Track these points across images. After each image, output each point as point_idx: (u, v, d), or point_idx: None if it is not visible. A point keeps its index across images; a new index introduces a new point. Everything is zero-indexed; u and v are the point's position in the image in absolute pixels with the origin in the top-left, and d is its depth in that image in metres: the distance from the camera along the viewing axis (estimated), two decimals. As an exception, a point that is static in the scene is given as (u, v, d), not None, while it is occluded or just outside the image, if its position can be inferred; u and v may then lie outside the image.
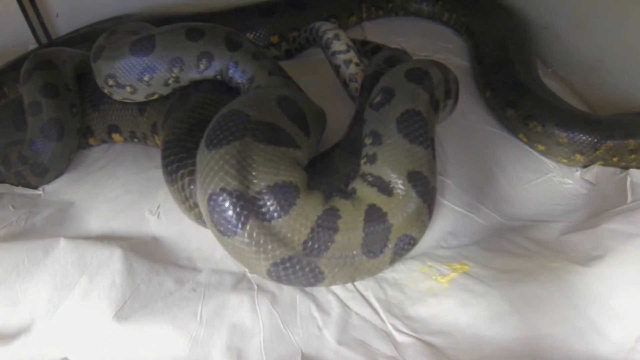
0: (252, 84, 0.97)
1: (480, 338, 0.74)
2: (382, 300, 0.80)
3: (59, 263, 0.85)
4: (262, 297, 0.80)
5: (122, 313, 0.77)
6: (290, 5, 1.38)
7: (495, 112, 1.18)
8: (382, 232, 0.72)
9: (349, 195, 0.77)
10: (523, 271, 0.82)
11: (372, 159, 0.78)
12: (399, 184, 0.74)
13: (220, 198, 0.67)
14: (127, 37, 0.97)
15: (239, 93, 0.99)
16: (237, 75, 0.97)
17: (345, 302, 0.80)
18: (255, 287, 0.82)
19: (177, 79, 0.96)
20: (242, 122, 0.72)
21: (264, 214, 0.68)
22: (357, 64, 1.07)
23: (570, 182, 1.04)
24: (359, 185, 0.77)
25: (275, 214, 0.68)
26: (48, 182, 1.07)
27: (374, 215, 0.73)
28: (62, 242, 0.87)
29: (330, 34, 1.10)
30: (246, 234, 0.67)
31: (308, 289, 0.81)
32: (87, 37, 1.30)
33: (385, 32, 1.46)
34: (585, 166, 1.06)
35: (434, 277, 0.83)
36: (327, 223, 0.70)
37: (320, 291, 0.81)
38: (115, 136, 1.13)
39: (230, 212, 0.67)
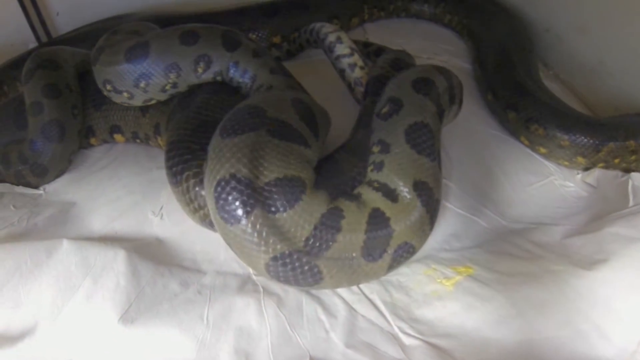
0: (254, 83, 0.96)
1: (486, 341, 0.74)
2: (388, 303, 0.80)
3: (62, 264, 0.84)
4: (269, 300, 0.80)
5: (128, 316, 0.77)
6: (293, 6, 1.37)
7: (496, 114, 1.19)
8: (383, 236, 0.73)
9: (354, 198, 0.77)
10: (527, 274, 0.83)
11: (379, 167, 0.79)
12: (405, 192, 0.75)
13: (229, 184, 0.68)
14: (127, 39, 0.96)
15: (242, 93, 0.98)
16: (238, 75, 0.96)
17: (351, 304, 0.80)
18: (261, 289, 0.82)
19: (174, 85, 0.94)
20: (258, 116, 0.74)
21: (269, 205, 0.68)
22: (362, 67, 1.06)
23: (572, 185, 1.05)
24: (364, 190, 0.78)
25: (281, 208, 0.68)
26: (48, 183, 1.06)
27: (377, 218, 0.73)
28: (65, 244, 0.87)
29: (332, 37, 1.09)
30: (249, 224, 0.67)
31: (314, 291, 0.81)
32: (88, 36, 1.29)
33: (387, 33, 1.46)
34: (586, 168, 1.07)
35: (438, 280, 0.83)
36: (331, 222, 0.70)
37: (326, 294, 0.81)
38: (117, 136, 1.12)
39: (237, 199, 0.67)
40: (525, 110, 1.10)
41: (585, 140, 1.02)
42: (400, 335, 0.76)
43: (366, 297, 0.81)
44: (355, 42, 1.13)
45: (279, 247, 0.68)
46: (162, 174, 0.92)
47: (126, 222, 0.96)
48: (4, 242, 0.89)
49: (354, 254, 0.71)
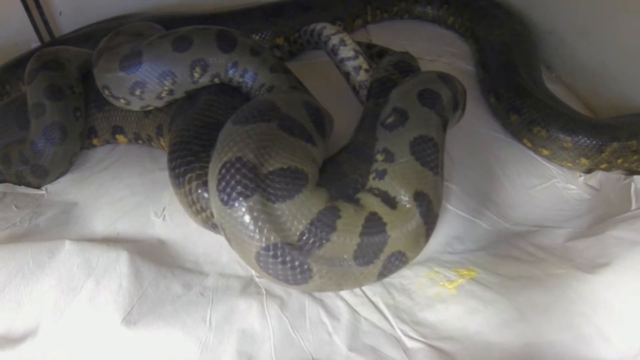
0: (255, 82, 0.96)
1: (489, 344, 0.74)
2: (390, 305, 0.80)
3: (65, 266, 0.84)
4: (271, 302, 0.80)
5: (131, 318, 0.77)
6: (296, 8, 1.37)
7: (499, 117, 1.19)
8: (377, 241, 0.72)
9: (353, 201, 0.77)
10: (530, 278, 0.83)
11: (382, 175, 0.79)
12: (405, 200, 0.75)
13: (234, 166, 0.69)
14: (128, 42, 0.96)
15: (242, 92, 0.98)
16: (238, 75, 0.95)
17: (354, 307, 0.80)
18: (264, 292, 0.82)
19: (170, 92, 0.94)
20: (271, 110, 0.76)
21: (269, 193, 0.68)
22: (366, 70, 1.06)
23: (574, 187, 1.05)
24: (363, 196, 0.78)
25: (280, 198, 0.69)
26: (48, 183, 1.06)
27: (374, 222, 0.72)
28: (68, 245, 0.86)
29: (335, 40, 1.08)
30: (247, 208, 0.67)
31: (316, 294, 0.81)
32: (91, 36, 1.29)
33: (390, 35, 1.46)
34: (589, 169, 1.07)
35: (441, 283, 0.83)
36: (327, 220, 0.70)
37: (328, 296, 0.81)
38: (120, 137, 1.12)
39: (239, 183, 0.68)
40: (527, 112, 1.10)
41: (589, 141, 1.03)
42: (403, 338, 0.76)
43: (369, 299, 0.81)
44: (358, 43, 1.12)
45: (272, 237, 0.67)
46: (164, 175, 0.92)
47: (128, 223, 0.96)
48: (6, 243, 0.89)
49: (345, 256, 0.70)
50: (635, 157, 1.02)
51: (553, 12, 1.35)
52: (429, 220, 0.76)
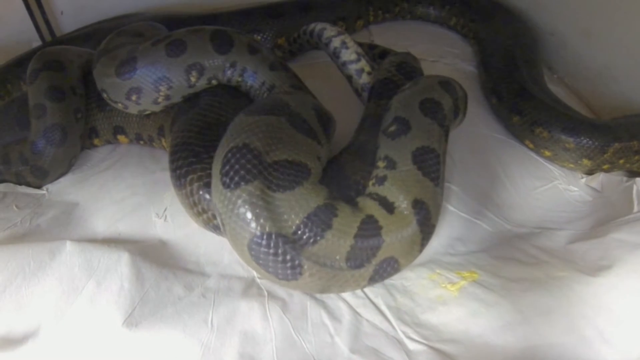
0: (255, 81, 0.95)
1: (492, 347, 0.74)
2: (392, 307, 0.80)
3: (66, 267, 0.84)
4: (273, 304, 0.79)
5: (132, 319, 0.77)
6: (298, 8, 1.37)
7: (501, 118, 1.19)
8: (371, 245, 0.71)
9: (352, 203, 0.77)
10: (532, 280, 0.82)
11: (381, 181, 0.78)
12: (403, 206, 0.74)
13: (240, 151, 0.70)
14: (128, 44, 0.96)
15: (242, 92, 0.98)
16: (237, 75, 0.94)
17: (355, 309, 0.80)
18: (266, 293, 0.81)
19: (167, 97, 0.93)
20: (282, 106, 0.78)
21: (270, 182, 0.69)
22: (369, 73, 1.05)
23: (576, 189, 1.05)
24: (362, 199, 0.78)
25: (281, 188, 0.69)
26: (48, 184, 1.06)
27: (369, 225, 0.72)
28: (69, 245, 0.86)
29: (337, 42, 1.06)
30: (246, 192, 0.67)
31: (318, 295, 0.81)
32: (92, 35, 1.29)
33: (392, 35, 1.45)
34: (591, 170, 1.07)
35: (443, 285, 0.83)
36: (324, 216, 0.70)
37: (330, 298, 0.81)
38: (121, 137, 1.12)
39: (243, 167, 0.68)
40: (529, 113, 1.10)
41: (591, 142, 1.03)
42: (405, 340, 0.76)
43: (371, 301, 0.81)
44: (360, 44, 1.12)
45: (267, 226, 0.67)
46: (165, 176, 0.92)
47: (130, 224, 0.95)
48: (7, 244, 0.89)
49: (337, 257, 0.70)
50: (636, 158, 1.02)
51: (555, 14, 1.34)
52: (426, 229, 0.76)
